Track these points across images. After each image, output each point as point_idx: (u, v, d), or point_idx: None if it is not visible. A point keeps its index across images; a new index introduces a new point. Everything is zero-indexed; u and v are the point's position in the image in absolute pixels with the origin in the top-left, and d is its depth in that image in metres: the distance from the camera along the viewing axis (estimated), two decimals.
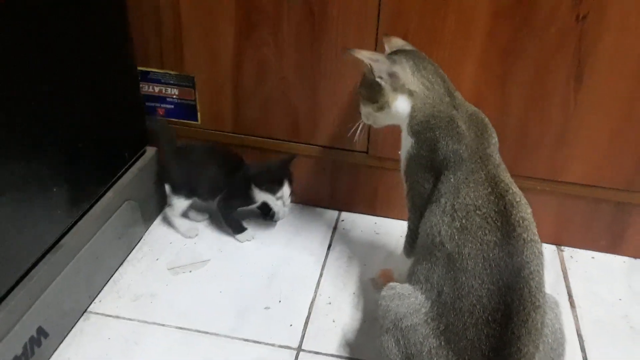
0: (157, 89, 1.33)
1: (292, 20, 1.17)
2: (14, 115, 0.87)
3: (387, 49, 0.98)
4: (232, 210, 1.29)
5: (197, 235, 1.30)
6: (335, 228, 1.35)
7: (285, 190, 1.22)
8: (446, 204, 0.85)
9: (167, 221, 1.32)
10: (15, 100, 0.87)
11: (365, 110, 0.98)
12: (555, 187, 1.22)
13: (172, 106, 1.34)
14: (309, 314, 1.12)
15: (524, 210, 0.82)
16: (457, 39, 1.11)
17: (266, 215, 1.35)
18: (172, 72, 1.30)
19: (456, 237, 0.81)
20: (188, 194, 1.27)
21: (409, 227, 0.99)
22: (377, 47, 1.15)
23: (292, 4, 1.15)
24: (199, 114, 1.34)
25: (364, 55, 0.91)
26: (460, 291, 0.79)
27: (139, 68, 1.28)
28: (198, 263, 1.23)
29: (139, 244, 1.27)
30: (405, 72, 0.90)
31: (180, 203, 1.28)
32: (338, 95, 1.24)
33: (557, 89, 1.11)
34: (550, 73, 1.10)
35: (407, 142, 0.93)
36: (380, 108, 0.93)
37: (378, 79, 0.91)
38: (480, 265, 0.78)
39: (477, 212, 0.81)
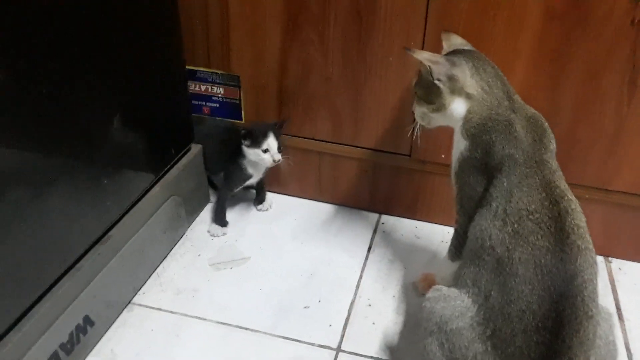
0: (203, 88, 1.35)
1: (339, 19, 1.17)
2: (68, 110, 0.90)
3: (445, 46, 0.97)
4: (231, 189, 1.33)
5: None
6: (375, 230, 1.35)
7: (271, 142, 1.21)
8: (498, 207, 0.83)
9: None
10: (70, 95, 0.90)
11: (420, 110, 0.97)
12: (605, 196, 1.19)
13: (217, 105, 1.36)
14: (349, 315, 1.12)
15: (579, 218, 0.80)
16: (507, 39, 1.09)
17: (256, 202, 1.40)
18: (218, 72, 1.32)
19: (507, 242, 0.80)
20: (211, 169, 1.37)
21: (456, 230, 0.98)
22: (424, 47, 1.14)
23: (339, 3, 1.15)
24: (243, 113, 1.35)
25: (424, 57, 0.90)
26: (510, 296, 0.77)
27: (187, 67, 1.30)
28: (239, 260, 1.24)
29: (182, 239, 1.29)
30: (465, 75, 0.89)
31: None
32: (382, 96, 1.24)
33: (610, 93, 1.08)
34: (603, 77, 1.07)
35: (460, 144, 0.92)
36: (436, 109, 0.92)
37: (437, 82, 0.90)
38: (531, 270, 0.76)
39: (530, 217, 0.80)
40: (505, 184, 0.84)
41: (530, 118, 0.89)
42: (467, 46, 0.97)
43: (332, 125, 1.31)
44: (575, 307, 0.75)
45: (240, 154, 1.26)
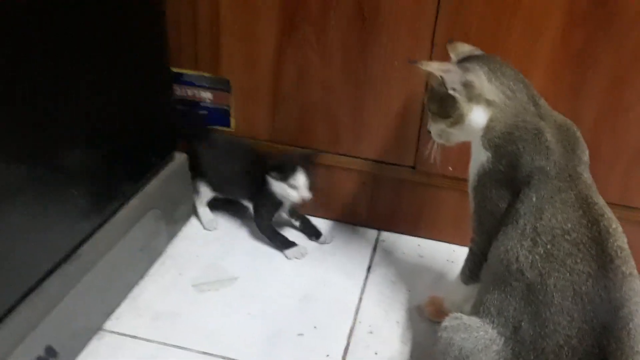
0: (190, 92, 1.24)
1: (339, 19, 1.08)
2: (32, 112, 0.78)
3: (453, 57, 0.87)
4: (267, 220, 1.19)
5: (215, 228, 1.25)
6: (375, 249, 1.24)
7: (300, 178, 1.11)
8: (526, 225, 0.73)
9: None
10: (36, 95, 0.78)
11: (437, 127, 0.87)
12: (628, 214, 1.09)
13: (206, 111, 1.25)
14: (348, 344, 1.00)
15: (621, 239, 0.71)
16: (524, 44, 1.00)
17: (311, 235, 1.24)
18: (206, 75, 1.21)
19: (539, 265, 0.70)
20: (212, 187, 1.23)
21: (472, 250, 0.88)
22: (434, 52, 1.05)
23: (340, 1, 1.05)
24: (232, 120, 1.25)
25: (433, 67, 0.81)
26: (544, 329, 0.67)
27: (173, 69, 1.19)
28: (226, 280, 1.12)
29: (162, 257, 1.17)
30: (481, 80, 0.80)
31: (205, 192, 1.24)
32: (385, 103, 1.14)
33: (635, 102, 1.00)
34: (628, 85, 0.99)
35: (481, 156, 0.82)
36: (455, 123, 0.83)
37: (451, 92, 0.80)
38: (569, 299, 0.66)
39: (566, 237, 0.70)
40: (534, 199, 0.74)
41: (561, 126, 0.79)
42: (478, 51, 0.88)
43: (329, 134, 1.21)
44: (621, 342, 0.64)
45: (267, 182, 1.15)
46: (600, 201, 0.74)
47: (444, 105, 0.83)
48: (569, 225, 0.70)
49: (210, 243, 1.22)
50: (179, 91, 1.23)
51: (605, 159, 1.06)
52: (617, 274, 0.67)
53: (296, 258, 1.17)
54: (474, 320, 0.75)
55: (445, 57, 0.88)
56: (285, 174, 1.11)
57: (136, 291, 1.08)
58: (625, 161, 1.05)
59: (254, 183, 1.17)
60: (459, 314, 0.77)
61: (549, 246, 0.70)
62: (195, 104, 1.24)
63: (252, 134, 1.24)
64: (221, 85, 1.21)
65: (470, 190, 0.86)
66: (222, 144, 1.22)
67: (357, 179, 1.25)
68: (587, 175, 0.78)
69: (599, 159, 1.05)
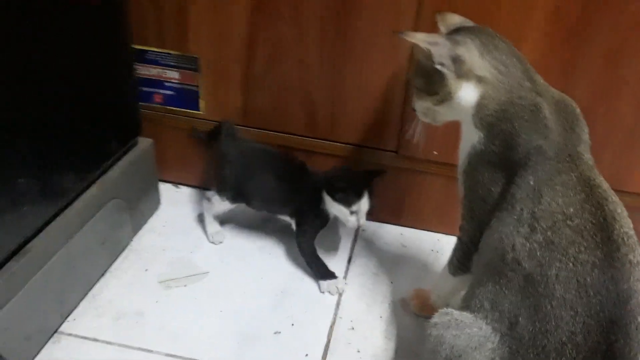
0: (154, 72, 1.14)
1: None
2: None
3: (443, 30, 0.80)
4: (311, 240, 1.05)
5: (221, 242, 1.12)
6: (355, 239, 1.17)
7: (364, 204, 0.97)
8: (522, 210, 0.66)
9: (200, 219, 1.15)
10: None
11: (423, 105, 0.80)
12: (620, 199, 1.04)
13: (172, 92, 1.16)
14: (328, 341, 0.93)
15: (627, 224, 0.65)
16: (514, 17, 0.93)
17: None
18: (173, 52, 1.12)
19: (538, 254, 0.63)
20: (236, 198, 1.08)
21: (461, 240, 0.81)
22: (418, 25, 0.98)
23: None
24: (201, 102, 1.15)
25: (420, 39, 0.73)
26: (544, 324, 0.60)
27: (135, 46, 1.09)
28: (195, 276, 1.04)
29: (125, 251, 1.08)
30: (472, 54, 0.73)
31: (221, 205, 1.09)
32: (366, 83, 1.06)
33: (631, 79, 0.94)
34: (623, 61, 0.93)
35: (472, 136, 0.75)
36: (442, 101, 0.75)
37: (439, 66, 0.73)
38: (573, 291, 0.60)
39: (568, 222, 0.63)
40: (531, 181, 0.67)
41: (559, 102, 0.73)
42: (469, 23, 0.81)
43: (306, 117, 1.13)
44: (630, 337, 0.59)
45: (319, 199, 1.01)
46: (604, 184, 0.68)
47: (431, 81, 0.76)
48: (571, 210, 0.64)
49: (179, 236, 1.13)
50: (143, 70, 1.13)
51: (597, 140, 0.98)
52: (625, 263, 0.61)
53: (329, 293, 1.02)
54: (466, 316, 0.68)
55: (431, 32, 0.81)
56: (349, 198, 0.97)
57: (96, 289, 0.99)
58: (618, 141, 1.00)
59: (298, 197, 1.03)
60: (449, 309, 0.71)
61: (549, 233, 0.64)
62: (160, 83, 1.15)
63: (223, 118, 1.15)
64: (189, 64, 1.12)
65: (459, 173, 0.79)
66: (253, 151, 1.08)
67: (335, 165, 1.17)
68: (588, 156, 0.71)
69: (591, 140, 1.00)
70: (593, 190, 0.66)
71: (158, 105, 1.17)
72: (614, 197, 0.67)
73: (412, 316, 0.97)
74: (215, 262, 1.07)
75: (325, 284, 1.02)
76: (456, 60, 0.73)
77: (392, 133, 1.10)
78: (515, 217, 0.67)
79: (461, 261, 0.81)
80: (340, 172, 1.03)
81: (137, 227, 1.12)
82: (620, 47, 0.92)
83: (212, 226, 1.12)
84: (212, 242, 1.11)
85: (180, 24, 1.08)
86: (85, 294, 0.97)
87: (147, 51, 1.12)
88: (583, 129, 0.73)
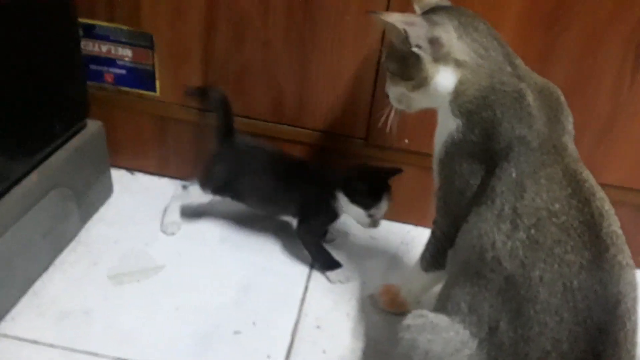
0: (104, 49, 1.05)
1: None
2: None
3: (417, 10, 0.74)
4: (318, 236, 1.01)
5: (173, 234, 1.04)
6: None
7: (382, 207, 0.92)
8: (504, 206, 0.62)
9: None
10: None
11: (397, 90, 0.74)
12: None
13: (124, 71, 1.07)
14: (292, 341, 0.87)
15: (615, 223, 0.61)
16: (487, 3, 0.88)
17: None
18: (124, 28, 1.02)
19: (520, 253, 0.59)
20: (224, 192, 1.01)
21: (434, 234, 0.76)
22: (391, 5, 0.92)
23: None
24: (157, 83, 1.07)
25: (395, 19, 0.68)
26: (527, 331, 0.56)
27: (81, 20, 1.00)
28: (149, 270, 0.96)
29: (72, 243, 0.99)
30: (450, 37, 0.67)
31: (199, 195, 1.01)
32: (335, 66, 1.00)
33: (610, 67, 0.91)
34: (604, 48, 0.90)
35: (449, 124, 0.70)
36: (418, 86, 0.70)
37: (415, 49, 0.68)
38: (559, 295, 0.56)
39: (554, 219, 0.59)
40: (514, 174, 0.63)
41: (542, 89, 0.69)
42: (445, 2, 0.75)
43: (271, 102, 1.06)
44: (619, 346, 0.55)
45: (331, 197, 0.95)
46: (590, 178, 0.65)
47: (406, 65, 0.70)
48: (557, 206, 0.60)
49: (133, 227, 1.05)
50: (91, 47, 1.04)
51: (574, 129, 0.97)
52: (614, 265, 0.57)
53: (340, 282, 0.98)
54: (442, 319, 0.63)
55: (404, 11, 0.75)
56: (369, 201, 0.92)
57: (38, 285, 0.90)
58: (591, 133, 0.97)
59: (301, 196, 0.98)
60: (424, 311, 0.66)
61: (532, 231, 0.59)
62: (111, 62, 1.05)
63: (181, 100, 1.07)
64: (143, 41, 1.03)
65: (435, 164, 0.74)
66: (250, 149, 1.01)
67: (303, 153, 1.11)
68: (572, 147, 0.67)
69: None
70: (580, 184, 0.62)
71: (109, 85, 1.08)
72: (601, 193, 0.63)
73: (381, 314, 0.92)
74: (172, 254, 1.00)
75: (333, 274, 0.98)
76: (434, 42, 0.68)
77: (362, 120, 1.04)
78: (496, 212, 0.62)
79: (435, 257, 0.77)
80: (358, 172, 0.95)
81: (85, 217, 1.03)
82: (599, 34, 0.88)
83: (171, 215, 1.05)
84: (164, 232, 1.04)
85: None
86: (26, 291, 0.89)
87: (95, 26, 1.02)
88: (568, 119, 0.69)
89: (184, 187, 1.03)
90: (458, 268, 0.67)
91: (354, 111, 1.04)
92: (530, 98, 0.65)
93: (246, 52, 1.02)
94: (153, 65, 1.05)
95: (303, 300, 0.95)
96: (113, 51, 1.05)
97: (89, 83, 1.03)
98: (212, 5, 0.98)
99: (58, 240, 0.96)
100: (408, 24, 0.67)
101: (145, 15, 1.01)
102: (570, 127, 0.69)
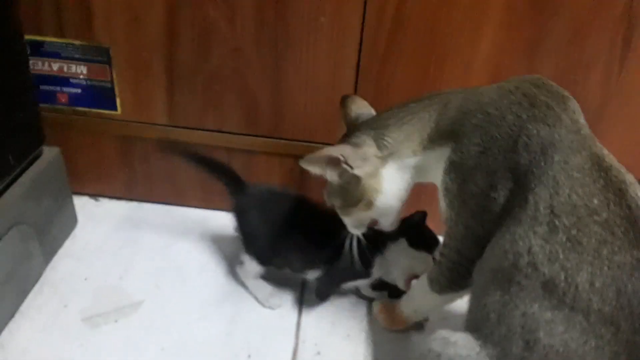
0: (55, 67, 0.95)
1: None
2: None
3: (349, 112, 0.81)
4: (335, 287, 0.92)
5: (280, 306, 0.90)
6: None
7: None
8: (538, 204, 0.57)
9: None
10: None
11: (356, 217, 0.77)
12: None
13: (79, 90, 0.97)
14: None
15: None
16: None
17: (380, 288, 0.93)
18: (76, 42, 0.93)
19: (561, 257, 0.54)
20: (264, 260, 0.89)
21: (450, 259, 0.69)
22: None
23: None
24: (118, 100, 0.98)
25: (333, 152, 0.73)
26: (577, 344, 0.51)
27: (28, 37, 0.90)
28: (126, 307, 0.88)
29: (38, 285, 0.90)
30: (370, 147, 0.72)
31: (252, 266, 0.89)
32: (311, 71, 0.94)
33: (598, 55, 0.88)
34: (592, 36, 0.86)
35: (441, 158, 0.68)
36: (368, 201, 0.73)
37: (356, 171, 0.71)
38: (613, 302, 0.51)
39: (595, 217, 0.54)
40: (543, 165, 0.59)
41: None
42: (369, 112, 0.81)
43: (244, 113, 0.99)
44: None
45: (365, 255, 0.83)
46: (613, 160, 0.60)
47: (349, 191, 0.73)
48: (595, 202, 0.55)
49: (103, 259, 0.96)
50: (40, 65, 0.94)
51: None
52: None
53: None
54: (472, 345, 0.57)
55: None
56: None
57: (5, 336, 0.81)
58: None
59: (332, 246, 0.84)
60: (446, 333, 0.60)
61: (574, 231, 0.54)
62: (64, 80, 0.96)
63: (146, 118, 0.99)
64: (98, 56, 0.94)
65: (442, 199, 0.69)
66: (270, 199, 0.89)
67: (281, 165, 1.04)
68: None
69: None
70: (608, 173, 0.57)
71: (64, 107, 0.98)
72: (631, 178, 0.58)
73: (382, 332, 0.87)
74: (149, 288, 0.92)
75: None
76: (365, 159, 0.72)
77: (343, 126, 0.98)
78: (530, 213, 0.57)
79: (451, 281, 0.70)
80: (411, 226, 0.84)
81: (50, 254, 0.94)
82: (588, 22, 0.85)
83: (261, 289, 0.91)
84: (271, 308, 0.90)
85: (82, 8, 0.90)
86: None
87: (43, 42, 0.93)
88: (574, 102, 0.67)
89: (241, 263, 0.91)
90: (487, 277, 0.61)
91: (333, 118, 0.97)
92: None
93: (214, 60, 0.94)
94: (112, 81, 0.96)
95: (298, 325, 0.88)
96: (65, 69, 0.95)
97: (41, 106, 0.93)
98: (172, 12, 0.90)
99: (22, 284, 0.86)
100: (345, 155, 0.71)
101: (99, 27, 0.92)
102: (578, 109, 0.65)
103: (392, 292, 0.90)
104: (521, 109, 0.62)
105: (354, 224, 0.78)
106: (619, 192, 0.56)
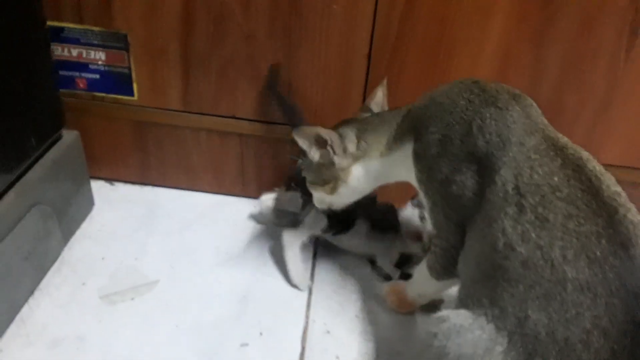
0: (75, 52, 0.98)
1: None
2: None
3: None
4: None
5: (307, 288, 0.93)
6: None
7: None
8: (505, 186, 0.60)
9: None
10: None
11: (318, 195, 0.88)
12: None
13: (98, 75, 1.00)
14: (303, 349, 0.83)
15: (611, 180, 0.61)
16: None
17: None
18: (95, 29, 0.96)
19: (533, 236, 0.57)
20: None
21: (441, 247, 0.72)
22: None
23: None
24: (135, 86, 1.00)
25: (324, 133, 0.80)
26: (563, 314, 0.54)
27: (49, 23, 0.92)
28: (142, 286, 0.91)
29: (57, 263, 0.92)
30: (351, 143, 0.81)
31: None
32: (324, 58, 0.96)
33: (604, 46, 0.89)
34: (599, 26, 0.88)
35: (404, 152, 0.76)
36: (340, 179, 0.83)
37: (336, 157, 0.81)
38: (586, 270, 0.54)
39: (558, 194, 0.58)
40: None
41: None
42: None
43: (257, 99, 1.01)
44: None
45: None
46: (567, 141, 0.65)
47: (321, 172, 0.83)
48: (556, 179, 0.59)
49: (119, 241, 0.99)
50: (59, 51, 0.97)
51: (569, 112, 0.95)
52: (627, 225, 0.56)
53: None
54: (464, 317, 0.60)
55: None
56: None
57: (25, 312, 0.84)
58: (589, 112, 0.96)
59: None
60: (444, 313, 0.62)
61: (540, 209, 0.58)
62: (83, 66, 0.98)
63: (161, 104, 1.01)
64: (116, 42, 0.96)
65: (418, 188, 0.75)
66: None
67: (293, 151, 1.06)
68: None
69: (562, 112, 0.96)
70: (564, 151, 0.62)
71: (82, 92, 1.01)
72: (586, 154, 0.63)
73: (390, 313, 0.89)
74: (165, 268, 0.94)
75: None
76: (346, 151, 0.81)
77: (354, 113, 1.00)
78: (501, 195, 0.61)
79: (446, 267, 0.73)
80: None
81: (68, 235, 0.97)
82: (596, 12, 0.87)
83: (297, 264, 0.92)
84: (296, 286, 0.92)
85: None
86: (12, 319, 0.82)
87: (63, 28, 0.95)
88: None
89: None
90: (473, 264, 0.64)
91: (347, 105, 1.00)
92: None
93: (228, 47, 0.96)
94: (129, 68, 0.99)
95: (308, 304, 0.91)
96: (84, 55, 0.98)
97: (61, 91, 0.95)
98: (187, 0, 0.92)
99: (41, 262, 0.89)
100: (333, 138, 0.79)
101: (117, 13, 0.94)
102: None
103: (404, 274, 0.93)
104: (472, 95, 0.67)
105: (317, 201, 0.88)
106: (577, 168, 0.59)
